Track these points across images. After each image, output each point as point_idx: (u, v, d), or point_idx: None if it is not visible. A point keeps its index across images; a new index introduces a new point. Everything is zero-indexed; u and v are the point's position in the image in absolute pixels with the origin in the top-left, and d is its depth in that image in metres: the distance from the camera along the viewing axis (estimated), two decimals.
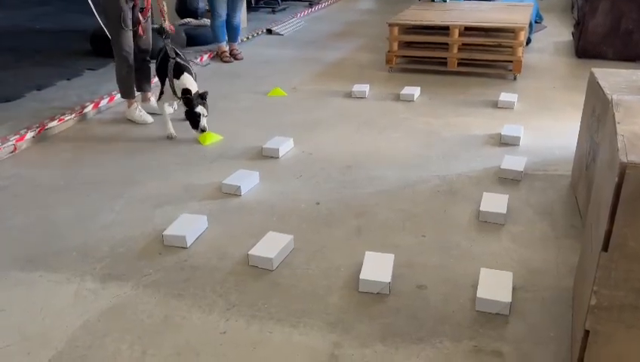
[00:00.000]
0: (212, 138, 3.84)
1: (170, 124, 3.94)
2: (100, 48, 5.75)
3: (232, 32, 5.93)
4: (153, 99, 4.37)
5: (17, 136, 3.75)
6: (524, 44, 5.09)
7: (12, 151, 3.66)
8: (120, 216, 2.90)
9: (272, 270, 2.42)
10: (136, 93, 4.31)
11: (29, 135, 3.81)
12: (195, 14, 6.67)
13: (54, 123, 4.01)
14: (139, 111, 4.21)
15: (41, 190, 3.20)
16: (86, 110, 4.31)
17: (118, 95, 4.60)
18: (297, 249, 2.57)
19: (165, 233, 2.63)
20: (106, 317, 2.16)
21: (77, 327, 2.11)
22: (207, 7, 5.95)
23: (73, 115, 4.18)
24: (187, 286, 2.34)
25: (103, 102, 4.48)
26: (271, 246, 2.49)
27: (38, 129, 3.89)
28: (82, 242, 2.67)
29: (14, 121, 4.09)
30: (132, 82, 4.18)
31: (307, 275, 2.39)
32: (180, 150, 3.71)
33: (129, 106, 4.23)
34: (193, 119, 3.69)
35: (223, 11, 5.67)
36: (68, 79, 5.13)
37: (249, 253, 2.47)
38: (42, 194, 3.16)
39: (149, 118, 4.21)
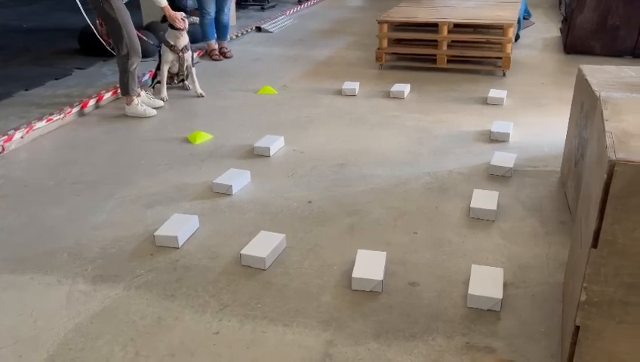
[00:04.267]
0: (202, 137, 3.83)
1: (165, 88, 4.57)
2: (89, 47, 5.72)
3: (221, 29, 5.90)
4: (143, 93, 4.42)
5: (5, 137, 3.71)
6: (513, 40, 5.11)
7: (0, 152, 3.63)
8: (111, 216, 2.89)
9: (264, 269, 2.42)
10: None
11: (18, 135, 3.78)
12: (184, 12, 6.63)
13: (43, 123, 3.98)
14: (141, 106, 4.27)
15: (30, 191, 3.18)
16: (75, 110, 4.28)
17: (107, 94, 4.59)
18: (290, 248, 2.57)
19: (157, 233, 2.63)
20: (98, 319, 2.15)
21: (69, 330, 2.10)
22: (196, 6, 5.92)
23: (62, 115, 4.14)
24: (179, 286, 2.33)
25: (92, 102, 4.45)
26: (263, 245, 2.49)
27: (27, 129, 3.86)
28: (73, 243, 2.65)
29: (2, 121, 4.06)
30: (136, 79, 4.22)
31: (300, 274, 2.40)
32: (170, 149, 3.69)
33: (129, 103, 4.25)
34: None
35: (211, 9, 5.65)
36: (56, 78, 5.09)
37: (241, 252, 2.47)
38: (32, 195, 3.14)
39: (153, 111, 4.29)
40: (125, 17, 3.97)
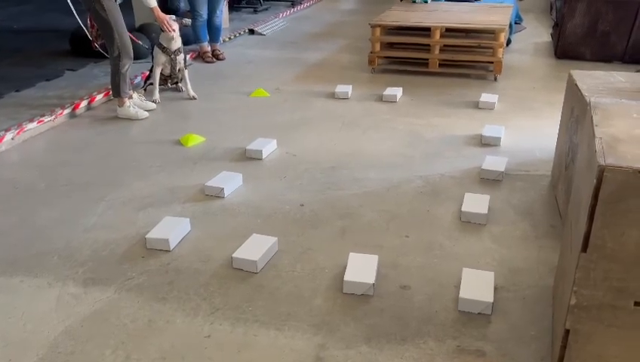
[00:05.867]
0: (194, 139, 3.82)
1: (157, 90, 4.55)
2: (80, 48, 5.70)
3: (214, 32, 5.90)
4: (135, 95, 4.41)
5: None
6: (505, 45, 5.15)
7: None
8: (102, 218, 2.88)
9: (256, 272, 2.42)
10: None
11: (8, 136, 3.75)
12: (175, 14, 6.62)
13: (33, 124, 3.96)
14: (133, 108, 4.25)
15: (20, 192, 3.16)
16: (66, 111, 4.26)
17: (99, 96, 4.57)
18: (282, 251, 2.57)
19: (148, 236, 2.62)
20: (88, 322, 2.14)
21: (59, 333, 2.09)
22: (188, 8, 5.91)
23: (53, 117, 4.12)
24: (171, 289, 2.33)
25: (84, 103, 4.43)
26: (255, 248, 2.49)
27: (17, 131, 3.83)
28: (64, 245, 2.64)
29: None
30: (128, 80, 4.20)
31: (292, 277, 2.40)
32: (162, 152, 3.68)
33: (121, 105, 4.23)
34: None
35: (204, 11, 5.64)
36: (47, 80, 5.06)
37: (233, 255, 2.46)
38: (22, 196, 3.12)
39: (145, 113, 4.27)
40: (117, 18, 3.95)
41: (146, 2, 4.16)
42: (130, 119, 4.21)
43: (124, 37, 4.02)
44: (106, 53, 4.18)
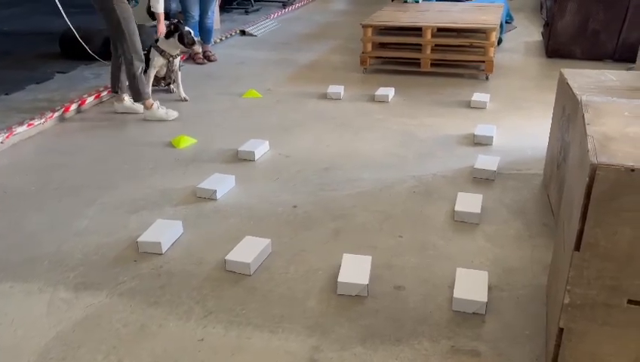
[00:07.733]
0: (186, 141, 3.80)
1: (150, 88, 4.44)
2: (70, 51, 5.66)
3: (205, 33, 5.88)
4: (127, 98, 4.36)
5: None
6: (496, 44, 5.16)
7: None
8: (93, 222, 2.85)
9: (249, 275, 2.40)
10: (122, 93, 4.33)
11: None
12: (167, 16, 6.60)
13: (23, 128, 3.92)
14: (162, 109, 4.21)
15: (10, 196, 3.13)
16: (56, 114, 4.23)
17: (90, 98, 4.54)
18: (275, 253, 2.56)
19: (140, 239, 2.60)
20: (80, 328, 2.12)
21: (50, 338, 2.06)
22: (180, 9, 5.89)
23: (43, 120, 4.09)
24: (163, 293, 2.31)
25: (74, 106, 4.40)
26: (248, 250, 2.48)
27: (7, 134, 3.80)
28: (55, 250, 2.61)
29: None
30: (144, 81, 4.17)
31: (285, 279, 2.38)
32: (154, 154, 3.66)
33: (149, 107, 4.18)
34: (187, 37, 4.38)
35: (195, 12, 5.62)
36: (37, 82, 5.02)
37: (226, 258, 2.45)
38: (12, 200, 3.08)
39: (174, 113, 4.24)
40: (129, 20, 3.91)
41: (154, 7, 4.19)
42: (157, 120, 4.15)
43: (135, 39, 3.99)
44: (93, 52, 4.14)
